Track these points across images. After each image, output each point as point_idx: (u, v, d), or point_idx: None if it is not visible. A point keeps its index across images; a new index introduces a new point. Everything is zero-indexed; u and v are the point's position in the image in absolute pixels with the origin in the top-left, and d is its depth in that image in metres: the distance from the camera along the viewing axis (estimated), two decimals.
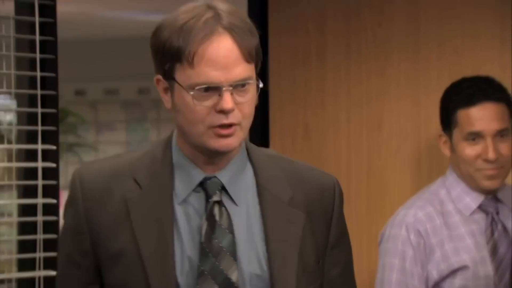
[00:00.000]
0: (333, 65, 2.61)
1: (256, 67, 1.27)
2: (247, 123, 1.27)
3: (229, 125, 1.24)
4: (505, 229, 2.04)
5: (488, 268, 2.01)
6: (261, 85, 1.27)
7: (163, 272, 1.24)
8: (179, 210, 1.29)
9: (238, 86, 1.23)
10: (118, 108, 7.55)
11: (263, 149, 1.39)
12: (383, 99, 2.54)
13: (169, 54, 1.24)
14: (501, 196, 2.06)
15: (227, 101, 1.22)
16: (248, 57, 1.24)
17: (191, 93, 1.22)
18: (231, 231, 1.27)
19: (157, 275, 1.24)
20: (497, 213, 2.06)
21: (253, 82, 1.25)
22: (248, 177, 1.34)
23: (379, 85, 2.55)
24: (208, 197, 1.29)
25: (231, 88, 1.23)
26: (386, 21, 2.52)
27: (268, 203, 1.31)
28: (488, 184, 2.02)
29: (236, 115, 1.24)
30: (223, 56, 1.23)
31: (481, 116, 2.01)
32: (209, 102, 1.23)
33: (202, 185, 1.29)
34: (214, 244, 1.26)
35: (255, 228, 1.30)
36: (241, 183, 1.32)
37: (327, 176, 1.41)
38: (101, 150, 7.25)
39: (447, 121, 2.07)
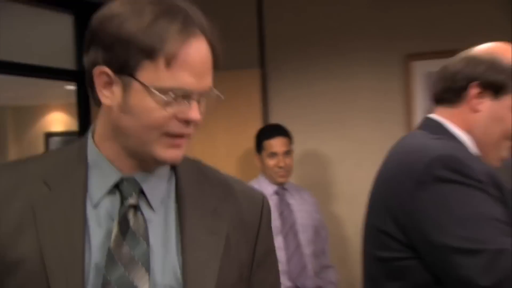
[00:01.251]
0: None
1: None
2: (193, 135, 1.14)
3: (182, 136, 1.12)
4: (288, 203, 3.41)
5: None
6: (220, 96, 1.14)
7: (67, 283, 1.08)
8: (91, 214, 1.13)
9: (203, 95, 1.12)
10: None
11: (189, 157, 1.24)
12: None
13: (135, 49, 1.07)
14: (286, 187, 3.47)
15: (196, 111, 1.11)
16: (216, 65, 1.13)
17: (162, 96, 1.07)
18: (146, 239, 1.12)
19: (61, 286, 1.08)
20: (284, 195, 3.43)
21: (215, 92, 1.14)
22: (170, 183, 1.20)
23: None
24: (122, 199, 1.14)
25: (200, 97, 1.11)
26: None
27: (188, 212, 1.17)
28: (280, 180, 3.40)
29: (194, 126, 1.12)
30: (201, 62, 1.10)
31: (276, 144, 3.42)
32: (173, 109, 1.09)
33: (118, 186, 1.15)
34: (124, 251, 1.10)
35: (172, 237, 1.15)
36: (161, 188, 1.18)
37: (255, 191, 1.31)
38: None
39: (259, 147, 3.46)
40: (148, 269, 1.11)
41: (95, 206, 1.14)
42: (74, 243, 1.10)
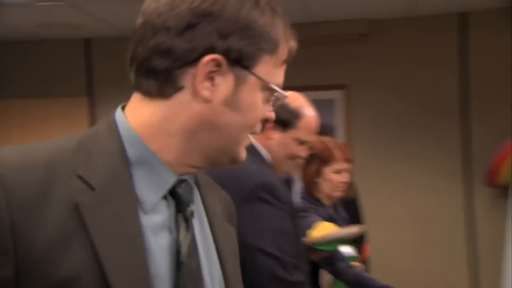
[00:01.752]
0: None
1: None
2: None
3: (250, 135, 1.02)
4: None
5: None
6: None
7: None
8: (146, 221, 0.93)
9: None
10: None
11: None
12: None
13: (263, 42, 0.95)
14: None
15: (272, 111, 1.03)
16: None
17: (278, 92, 0.99)
18: (196, 249, 0.99)
19: None
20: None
21: None
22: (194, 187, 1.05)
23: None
24: (183, 205, 0.98)
25: None
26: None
27: (212, 216, 1.05)
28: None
29: None
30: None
31: None
32: (265, 108, 1.00)
33: (172, 189, 0.97)
34: (189, 264, 0.96)
35: (210, 245, 1.03)
36: (194, 192, 1.04)
37: (223, 191, 1.18)
38: None
39: None
40: (202, 282, 0.99)
41: (148, 212, 0.95)
42: (138, 256, 0.90)
